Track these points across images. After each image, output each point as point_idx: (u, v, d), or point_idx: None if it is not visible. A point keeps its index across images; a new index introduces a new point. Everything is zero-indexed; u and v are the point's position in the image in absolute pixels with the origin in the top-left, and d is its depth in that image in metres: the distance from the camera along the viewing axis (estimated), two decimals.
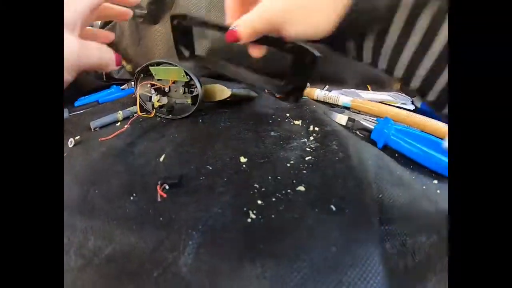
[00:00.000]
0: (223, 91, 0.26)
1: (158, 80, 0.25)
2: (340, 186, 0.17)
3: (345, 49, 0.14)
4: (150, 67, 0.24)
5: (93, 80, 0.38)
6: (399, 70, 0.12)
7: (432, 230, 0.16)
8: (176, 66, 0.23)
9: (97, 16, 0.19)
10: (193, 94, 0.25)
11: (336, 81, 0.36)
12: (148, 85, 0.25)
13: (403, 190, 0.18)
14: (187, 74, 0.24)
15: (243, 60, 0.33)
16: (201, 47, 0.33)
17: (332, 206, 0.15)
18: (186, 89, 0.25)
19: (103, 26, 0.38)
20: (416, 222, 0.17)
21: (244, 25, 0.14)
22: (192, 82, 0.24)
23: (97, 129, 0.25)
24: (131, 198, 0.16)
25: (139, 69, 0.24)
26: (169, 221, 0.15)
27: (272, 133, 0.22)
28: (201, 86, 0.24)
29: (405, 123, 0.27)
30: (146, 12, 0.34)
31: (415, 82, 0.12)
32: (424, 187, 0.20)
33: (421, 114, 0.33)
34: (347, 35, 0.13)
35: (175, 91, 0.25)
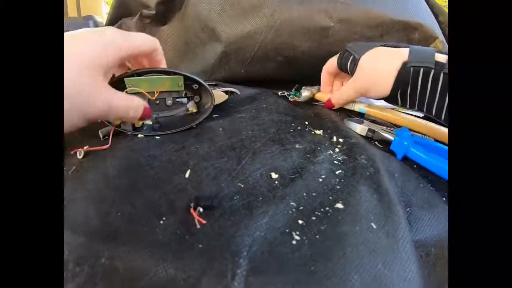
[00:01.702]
0: (219, 96, 0.26)
1: (134, 93, 0.21)
2: (375, 202, 0.17)
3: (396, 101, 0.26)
4: (125, 78, 0.20)
5: None
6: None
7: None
8: (171, 75, 0.21)
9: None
10: (198, 101, 0.23)
11: None
12: None
13: (427, 202, 0.19)
14: (187, 80, 0.22)
15: (256, 63, 0.32)
16: (214, 51, 0.31)
17: (372, 224, 0.15)
18: (175, 100, 0.23)
19: (109, 25, 0.35)
20: (439, 233, 0.17)
21: (339, 96, 0.29)
22: (181, 93, 0.22)
23: (106, 137, 0.23)
24: (161, 222, 0.15)
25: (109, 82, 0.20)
26: (209, 247, 0.14)
27: (297, 146, 0.22)
28: (211, 92, 0.22)
29: (420, 131, 0.28)
30: (154, 12, 0.32)
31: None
32: (444, 198, 0.20)
33: (432, 121, 0.34)
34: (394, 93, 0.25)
35: (157, 103, 0.23)
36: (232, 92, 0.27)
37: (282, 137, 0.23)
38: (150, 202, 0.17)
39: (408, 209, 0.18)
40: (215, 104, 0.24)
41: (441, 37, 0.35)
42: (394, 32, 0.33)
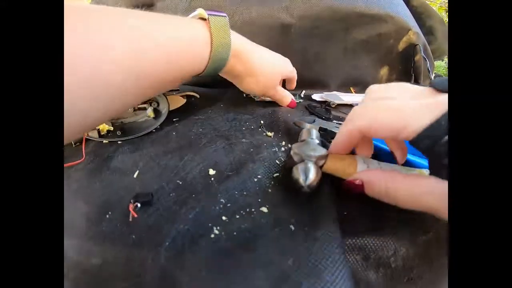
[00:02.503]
0: (177, 100, 0.27)
1: None
2: (302, 207, 0.17)
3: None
4: None
5: None
6: None
7: (399, 244, 0.17)
8: None
9: None
10: (156, 106, 0.25)
11: (318, 85, 0.36)
12: None
13: (369, 203, 0.18)
14: None
15: None
16: None
17: (291, 226, 0.16)
18: (137, 106, 0.25)
19: None
20: (381, 236, 0.17)
21: (367, 181, 0.16)
22: None
23: (78, 144, 0.25)
24: (107, 216, 0.18)
25: None
26: (140, 239, 0.16)
27: (243, 140, 0.23)
28: (166, 98, 0.24)
29: None
30: None
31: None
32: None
33: None
34: None
35: None
36: (193, 96, 0.29)
37: (231, 133, 0.24)
38: (102, 200, 0.19)
39: (345, 213, 0.18)
40: (172, 108, 0.26)
41: (414, 28, 0.34)
42: (362, 25, 0.32)
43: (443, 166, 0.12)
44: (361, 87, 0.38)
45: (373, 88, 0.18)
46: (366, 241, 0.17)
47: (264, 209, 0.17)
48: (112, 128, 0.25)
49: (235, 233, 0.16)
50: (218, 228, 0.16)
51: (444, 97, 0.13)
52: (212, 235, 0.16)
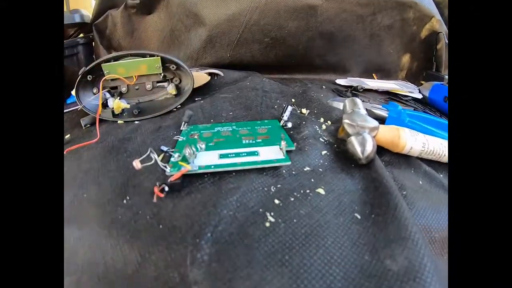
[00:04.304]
0: (201, 77, 0.25)
1: (112, 80, 0.21)
2: (360, 192, 0.14)
3: None
4: (102, 64, 0.20)
5: None
6: None
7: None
8: (147, 57, 0.21)
9: None
10: (178, 83, 0.22)
11: (341, 70, 0.34)
12: (94, 90, 0.21)
13: (421, 187, 0.16)
14: (166, 62, 0.21)
15: (242, 46, 0.30)
16: (198, 36, 0.30)
17: (356, 215, 0.13)
18: (156, 84, 0.22)
19: (94, 19, 0.35)
20: (440, 216, 0.15)
21: None
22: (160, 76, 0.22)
23: (88, 126, 0.22)
24: (124, 201, 0.14)
25: (87, 68, 0.20)
26: (171, 228, 0.12)
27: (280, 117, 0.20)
28: (191, 73, 0.21)
29: None
30: (138, 2, 0.32)
31: None
32: (442, 175, 0.18)
33: (430, 104, 0.32)
34: None
35: (136, 89, 0.22)
36: (216, 75, 0.26)
37: (264, 111, 0.21)
38: (118, 183, 0.15)
39: (404, 192, 0.16)
40: (196, 86, 0.23)
41: (437, 16, 0.33)
42: (388, 10, 0.31)
43: None
44: (383, 73, 0.37)
45: None
46: (429, 221, 0.15)
47: (321, 191, 0.14)
48: (128, 106, 0.22)
49: (295, 220, 0.12)
50: (272, 214, 0.13)
51: None
52: (268, 224, 0.12)
